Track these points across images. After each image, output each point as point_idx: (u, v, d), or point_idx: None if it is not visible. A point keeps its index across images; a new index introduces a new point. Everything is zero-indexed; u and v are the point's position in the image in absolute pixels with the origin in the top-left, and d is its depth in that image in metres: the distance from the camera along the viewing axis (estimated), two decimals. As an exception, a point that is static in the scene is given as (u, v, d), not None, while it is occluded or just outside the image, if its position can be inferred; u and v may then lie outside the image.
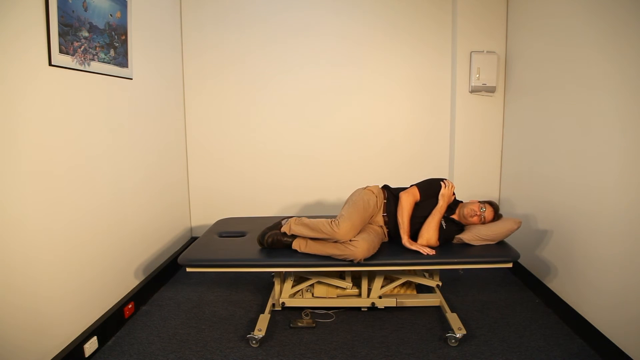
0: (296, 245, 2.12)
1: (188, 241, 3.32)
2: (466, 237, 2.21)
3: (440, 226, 2.20)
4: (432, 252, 2.09)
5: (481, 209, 2.25)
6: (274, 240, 2.15)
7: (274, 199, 3.37)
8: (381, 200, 2.30)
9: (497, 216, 2.29)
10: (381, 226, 2.27)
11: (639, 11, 1.72)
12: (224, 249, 2.23)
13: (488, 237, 2.18)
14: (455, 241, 2.24)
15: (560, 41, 2.29)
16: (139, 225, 2.50)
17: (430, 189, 2.29)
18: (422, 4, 3.14)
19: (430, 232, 2.15)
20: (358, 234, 2.10)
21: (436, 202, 2.23)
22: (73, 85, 1.86)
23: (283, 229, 2.17)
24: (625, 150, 1.79)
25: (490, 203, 2.30)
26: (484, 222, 2.26)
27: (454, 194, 2.33)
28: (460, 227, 2.30)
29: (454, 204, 2.35)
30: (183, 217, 3.26)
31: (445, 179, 2.32)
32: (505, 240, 2.27)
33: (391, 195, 2.32)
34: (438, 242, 2.16)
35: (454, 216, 2.32)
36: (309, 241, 2.10)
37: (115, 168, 2.23)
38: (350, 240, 2.04)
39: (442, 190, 2.25)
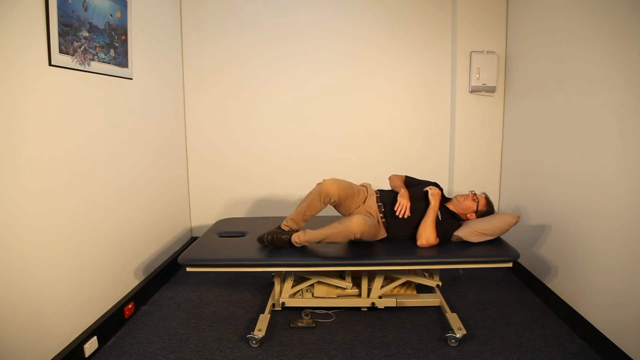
0: (295, 237, 2.13)
1: (188, 241, 3.32)
2: (465, 232, 2.21)
3: (437, 218, 2.23)
4: (406, 210, 2.20)
5: (473, 194, 2.38)
6: (273, 238, 2.15)
7: (274, 198, 3.37)
8: (372, 190, 2.36)
9: (489, 204, 2.38)
10: (377, 216, 2.27)
11: (639, 11, 1.72)
12: (224, 249, 2.23)
13: (487, 231, 2.19)
14: (454, 239, 2.25)
15: (561, 41, 2.29)
16: (138, 225, 2.50)
17: (415, 179, 2.49)
18: (422, 4, 3.14)
19: (427, 230, 2.16)
20: (352, 214, 2.22)
21: (427, 204, 2.26)
22: (73, 85, 1.86)
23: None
24: (625, 149, 1.79)
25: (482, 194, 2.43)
26: (477, 210, 2.33)
27: (443, 195, 2.42)
28: (457, 219, 2.33)
29: (445, 201, 2.42)
30: (183, 217, 3.26)
31: (430, 187, 2.38)
32: (505, 240, 2.27)
33: (384, 191, 2.38)
34: (437, 239, 2.17)
35: (449, 205, 2.39)
36: (307, 230, 2.13)
37: (115, 168, 2.23)
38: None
39: (431, 191, 2.30)
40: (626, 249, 1.79)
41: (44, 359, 1.69)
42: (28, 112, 1.60)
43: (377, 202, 2.30)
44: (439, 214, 2.26)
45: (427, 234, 2.15)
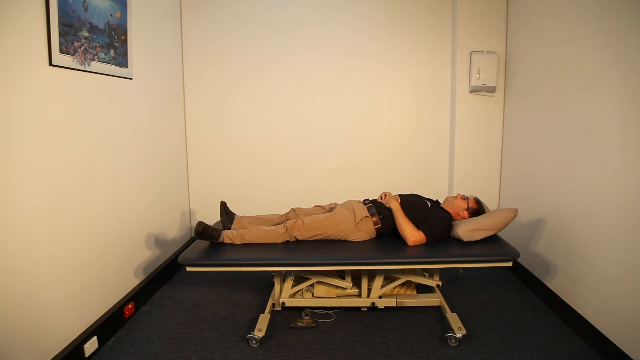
0: (228, 240, 2.22)
1: (188, 241, 3.32)
2: (466, 228, 2.21)
3: (425, 205, 2.33)
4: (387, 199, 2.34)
5: (462, 195, 2.46)
6: (204, 228, 2.15)
7: (274, 200, 3.37)
8: (361, 210, 2.30)
9: (478, 202, 2.42)
10: (370, 219, 2.28)
11: (639, 11, 1.72)
12: (224, 249, 2.23)
13: (489, 226, 2.21)
14: (454, 235, 2.26)
15: (561, 41, 2.29)
16: (139, 225, 2.50)
17: (410, 197, 2.46)
18: (422, 4, 3.14)
19: (405, 229, 2.18)
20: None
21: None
22: (73, 85, 1.86)
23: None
24: (625, 150, 1.79)
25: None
26: (469, 207, 2.38)
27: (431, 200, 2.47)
28: (447, 212, 2.35)
29: (437, 204, 2.46)
30: (183, 217, 3.26)
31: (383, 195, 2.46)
32: (506, 239, 2.27)
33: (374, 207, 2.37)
34: (421, 232, 2.16)
35: (443, 205, 2.45)
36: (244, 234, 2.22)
37: (115, 168, 2.23)
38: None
39: (384, 200, 2.37)
40: (626, 250, 1.79)
41: (44, 359, 1.69)
42: (28, 111, 1.60)
43: (370, 212, 2.30)
44: (428, 203, 2.37)
45: (407, 232, 2.17)
